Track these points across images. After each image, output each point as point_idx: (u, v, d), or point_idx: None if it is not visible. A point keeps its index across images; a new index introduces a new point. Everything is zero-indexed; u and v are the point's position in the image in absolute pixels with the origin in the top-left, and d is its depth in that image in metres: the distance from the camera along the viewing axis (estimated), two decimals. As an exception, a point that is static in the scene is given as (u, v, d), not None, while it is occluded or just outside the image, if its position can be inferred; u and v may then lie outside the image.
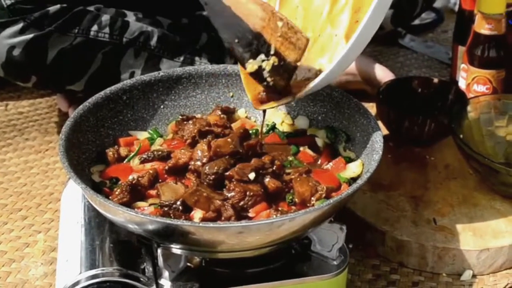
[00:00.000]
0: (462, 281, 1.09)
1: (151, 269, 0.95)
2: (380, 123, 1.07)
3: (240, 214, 0.94)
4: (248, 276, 0.96)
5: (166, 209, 0.94)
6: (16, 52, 1.30)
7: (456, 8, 1.50)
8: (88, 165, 1.04)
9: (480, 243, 1.09)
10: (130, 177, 1.01)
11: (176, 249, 0.93)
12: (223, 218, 0.93)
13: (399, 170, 1.24)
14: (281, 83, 1.01)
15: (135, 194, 0.98)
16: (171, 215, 0.93)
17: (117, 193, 0.97)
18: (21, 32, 1.30)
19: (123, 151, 1.07)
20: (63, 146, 0.98)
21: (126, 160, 1.06)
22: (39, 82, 1.36)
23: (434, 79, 1.37)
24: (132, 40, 1.36)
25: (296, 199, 0.97)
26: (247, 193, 0.95)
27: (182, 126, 1.09)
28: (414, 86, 1.34)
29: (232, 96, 1.17)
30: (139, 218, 0.89)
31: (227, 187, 0.96)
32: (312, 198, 0.97)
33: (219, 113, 1.13)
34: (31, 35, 1.30)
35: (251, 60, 0.98)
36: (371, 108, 1.27)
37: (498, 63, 1.32)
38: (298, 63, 1.00)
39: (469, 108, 1.23)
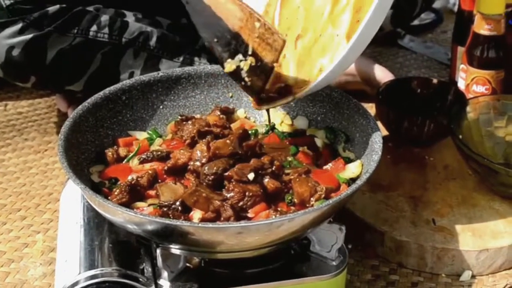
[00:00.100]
0: (461, 281, 1.09)
1: (150, 269, 0.95)
2: (379, 124, 1.07)
3: (239, 214, 0.94)
4: (247, 277, 0.96)
5: (165, 209, 0.94)
6: (15, 52, 1.30)
7: (456, 8, 1.50)
8: (87, 166, 1.04)
9: (479, 244, 1.09)
10: (129, 178, 1.01)
11: (175, 249, 0.93)
12: (222, 219, 0.93)
13: (398, 170, 1.24)
14: (258, 83, 1.02)
15: (134, 195, 0.98)
16: (170, 215, 0.93)
17: (116, 193, 0.97)
18: (21, 32, 1.30)
19: (122, 151, 1.07)
20: (62, 146, 0.98)
21: (125, 160, 1.06)
22: (38, 82, 1.36)
23: (434, 79, 1.37)
24: (132, 41, 1.36)
25: (295, 200, 0.97)
26: (246, 193, 0.95)
27: (181, 126, 1.09)
28: (414, 87, 1.34)
29: (231, 97, 1.17)
30: (138, 219, 0.89)
31: (226, 187, 0.96)
32: (312, 199, 0.97)
33: (218, 113, 1.13)
34: (30, 35, 1.30)
35: (229, 60, 1.00)
36: (371, 108, 1.27)
37: (497, 64, 1.32)
38: (275, 64, 1.01)
39: (468, 108, 1.23)
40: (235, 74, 1.01)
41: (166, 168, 1.01)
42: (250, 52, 0.99)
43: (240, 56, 1.00)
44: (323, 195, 0.97)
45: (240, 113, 1.16)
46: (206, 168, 0.97)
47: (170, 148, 1.06)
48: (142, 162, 1.04)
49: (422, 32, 1.81)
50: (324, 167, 1.05)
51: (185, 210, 0.95)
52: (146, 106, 1.14)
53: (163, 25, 1.41)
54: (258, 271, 0.96)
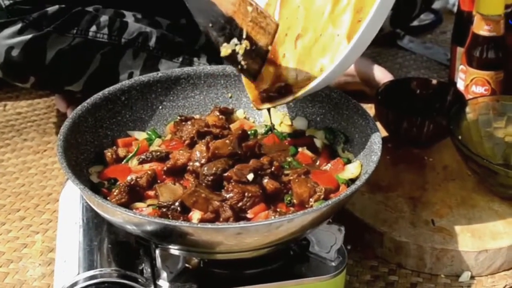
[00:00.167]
0: (460, 282, 1.09)
1: (149, 270, 0.95)
2: (378, 124, 1.07)
3: (239, 215, 0.94)
4: (247, 277, 0.96)
5: (164, 210, 0.94)
6: (14, 53, 1.30)
7: (455, 9, 1.50)
8: (87, 166, 1.04)
9: (479, 245, 1.09)
10: (129, 178, 1.00)
11: (174, 250, 0.93)
12: (221, 219, 0.93)
13: (398, 171, 1.24)
14: (254, 66, 1.03)
15: (134, 195, 0.97)
16: (170, 216, 0.93)
17: (115, 193, 0.97)
18: (20, 32, 1.30)
19: (121, 151, 1.07)
20: (62, 146, 0.98)
21: (124, 160, 1.06)
22: (37, 82, 1.36)
23: (433, 80, 1.37)
24: (131, 41, 1.36)
25: (295, 200, 0.97)
26: (246, 194, 0.95)
27: (180, 126, 1.09)
28: (413, 87, 1.34)
29: (230, 97, 1.17)
30: (137, 219, 0.89)
31: (225, 188, 0.96)
32: (311, 199, 0.97)
33: (218, 114, 1.13)
34: (29, 36, 1.30)
35: (225, 44, 1.01)
36: (370, 109, 1.27)
37: (496, 64, 1.32)
38: (269, 47, 1.03)
39: (467, 109, 1.23)
40: (231, 58, 1.02)
41: (165, 168, 1.01)
42: (244, 36, 1.01)
43: (235, 40, 1.01)
44: (322, 196, 0.97)
45: (239, 113, 1.16)
46: (206, 168, 0.97)
47: (169, 149, 1.06)
48: (141, 162, 1.04)
49: (422, 32, 1.81)
50: (323, 168, 1.05)
51: (184, 211, 0.95)
52: (145, 107, 1.14)
53: (162, 25, 1.41)
54: (257, 272, 0.96)
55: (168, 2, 1.48)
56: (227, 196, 0.95)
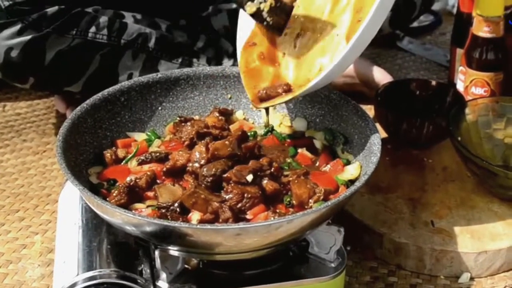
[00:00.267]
0: (460, 283, 1.09)
1: (148, 270, 0.95)
2: (378, 126, 1.07)
3: (238, 216, 0.94)
4: (246, 278, 0.96)
5: (163, 211, 0.94)
6: (14, 54, 1.30)
7: (454, 10, 1.50)
8: (86, 167, 1.04)
9: (478, 246, 1.09)
10: (128, 179, 1.00)
11: (173, 251, 0.93)
12: (220, 220, 0.93)
13: (397, 172, 1.24)
14: (280, 22, 1.08)
15: (133, 196, 0.97)
16: (169, 217, 0.93)
17: (114, 194, 0.96)
18: (19, 33, 1.30)
19: (120, 152, 1.07)
20: (61, 147, 0.97)
21: (123, 161, 1.06)
22: (37, 83, 1.36)
23: (432, 81, 1.37)
24: (130, 42, 1.36)
25: (294, 201, 0.97)
26: (245, 195, 0.94)
27: (180, 127, 1.09)
28: (412, 89, 1.34)
29: (230, 98, 1.17)
30: (137, 220, 0.89)
31: (225, 189, 0.96)
32: (310, 200, 0.97)
33: (217, 114, 1.13)
34: (29, 37, 1.30)
35: (249, 3, 1.04)
36: (369, 110, 1.27)
37: (496, 66, 1.32)
38: (294, 4, 1.08)
39: (467, 110, 1.23)
40: (257, 15, 1.07)
41: (164, 169, 1.01)
42: None
43: None
44: (321, 197, 0.97)
45: (238, 114, 1.16)
46: (205, 169, 0.97)
47: (168, 150, 1.06)
48: (141, 163, 1.04)
49: (421, 34, 1.81)
50: (323, 169, 1.05)
51: (184, 212, 0.95)
52: (144, 108, 1.14)
53: (162, 26, 1.41)
54: (256, 273, 0.96)
55: (167, 3, 1.48)
56: (227, 197, 0.95)
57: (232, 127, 1.12)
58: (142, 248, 0.97)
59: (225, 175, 0.96)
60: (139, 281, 0.93)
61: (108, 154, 1.06)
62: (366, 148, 1.02)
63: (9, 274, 1.12)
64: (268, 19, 1.07)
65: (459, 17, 1.44)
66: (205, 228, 0.87)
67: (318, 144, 1.10)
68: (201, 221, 0.93)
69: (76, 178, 0.92)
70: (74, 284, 0.92)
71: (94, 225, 1.01)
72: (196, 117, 1.14)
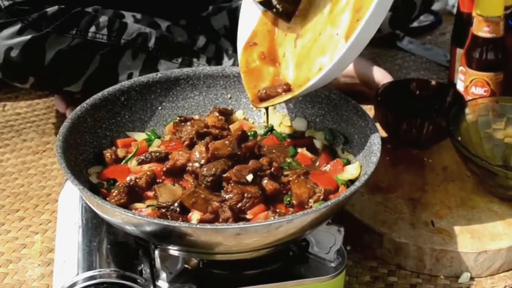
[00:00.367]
0: (460, 283, 1.09)
1: (148, 270, 0.95)
2: (378, 125, 1.06)
3: (238, 215, 0.94)
4: (246, 278, 0.96)
5: (163, 210, 0.94)
6: (14, 53, 1.30)
7: (454, 10, 1.50)
8: (86, 166, 1.04)
9: (478, 246, 1.09)
10: (128, 179, 1.00)
11: (173, 250, 0.93)
12: (220, 220, 0.93)
13: (397, 172, 1.24)
14: (290, 9, 1.10)
15: (133, 196, 0.97)
16: (169, 216, 0.93)
17: (114, 194, 0.96)
18: (19, 33, 1.30)
19: (120, 152, 1.07)
20: (61, 147, 0.97)
21: (123, 161, 1.06)
22: (36, 83, 1.36)
23: (432, 81, 1.37)
24: (130, 42, 1.36)
25: (294, 201, 0.97)
26: (245, 195, 0.94)
27: (180, 127, 1.09)
28: (412, 89, 1.34)
29: (230, 98, 1.17)
30: (137, 220, 0.89)
31: (225, 188, 0.96)
32: (310, 200, 0.97)
33: (217, 114, 1.13)
34: (29, 36, 1.30)
35: None
36: (369, 110, 1.27)
37: (496, 66, 1.32)
38: None
39: (467, 110, 1.23)
40: (267, 3, 1.08)
41: (164, 169, 1.01)
42: None
43: None
44: (321, 197, 0.97)
45: (238, 114, 1.16)
46: (205, 169, 0.97)
47: (168, 149, 1.06)
48: (141, 163, 1.04)
49: (421, 34, 1.81)
50: (323, 169, 1.05)
51: (184, 211, 0.95)
52: (144, 107, 1.14)
53: (162, 26, 1.41)
54: (256, 273, 0.96)
55: (167, 3, 1.48)
56: (227, 196, 0.95)
57: (232, 127, 1.12)
58: (142, 248, 0.97)
59: (225, 175, 0.96)
60: (139, 280, 0.93)
61: (108, 153, 1.06)
62: (366, 148, 1.02)
63: (9, 273, 1.12)
64: (278, 6, 1.08)
65: (459, 17, 1.44)
66: (205, 228, 0.87)
67: (318, 144, 1.10)
68: (201, 221, 0.93)
69: (76, 178, 0.92)
70: (74, 284, 0.92)
71: (94, 224, 1.01)
72: (196, 117, 1.14)
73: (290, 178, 0.99)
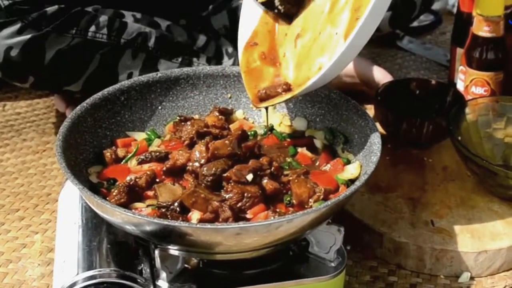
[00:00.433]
0: (460, 283, 1.09)
1: (148, 270, 0.95)
2: (378, 125, 1.06)
3: (238, 215, 0.94)
4: (246, 278, 0.96)
5: (163, 210, 0.94)
6: (13, 53, 1.30)
7: (455, 10, 1.50)
8: (86, 166, 1.04)
9: (478, 245, 1.09)
10: (128, 178, 1.00)
11: (173, 250, 0.93)
12: (220, 220, 0.93)
13: (397, 172, 1.24)
14: (292, 10, 1.09)
15: (133, 195, 0.97)
16: (169, 216, 0.92)
17: (114, 194, 0.96)
18: (19, 32, 1.30)
19: (120, 152, 1.07)
20: (61, 146, 0.97)
21: (123, 161, 1.06)
22: (36, 82, 1.36)
23: (432, 81, 1.37)
24: (130, 41, 1.36)
25: (294, 201, 0.97)
26: (245, 194, 0.94)
27: (180, 127, 1.09)
28: (412, 88, 1.34)
29: (230, 98, 1.17)
30: (137, 219, 0.89)
31: (225, 188, 0.96)
32: (310, 200, 0.97)
33: (217, 114, 1.12)
34: (28, 36, 1.30)
35: None
36: (369, 110, 1.27)
37: (496, 65, 1.32)
38: None
39: (467, 110, 1.23)
40: (269, 4, 1.08)
41: (164, 168, 1.01)
42: None
43: None
44: (321, 196, 0.97)
45: (238, 114, 1.16)
46: (205, 169, 0.96)
47: (168, 149, 1.06)
48: (141, 162, 1.04)
49: (421, 33, 1.81)
50: (323, 168, 1.05)
51: (184, 211, 0.95)
52: (144, 107, 1.14)
53: (161, 25, 1.41)
54: (256, 272, 0.96)
55: (167, 3, 1.48)
56: (227, 196, 0.95)
57: (232, 126, 1.12)
58: (142, 248, 0.97)
59: (225, 175, 0.96)
60: (139, 280, 0.93)
61: (108, 153, 1.06)
62: (366, 148, 1.02)
63: (9, 273, 1.12)
64: (280, 7, 1.08)
65: (459, 16, 1.44)
66: (205, 228, 0.87)
67: (318, 143, 1.10)
68: (201, 221, 0.93)
69: (76, 178, 0.92)
70: (74, 284, 0.92)
71: (94, 224, 1.01)
72: (196, 117, 1.14)
73: (290, 178, 0.99)
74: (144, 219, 0.88)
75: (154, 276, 0.94)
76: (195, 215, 0.94)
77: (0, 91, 1.59)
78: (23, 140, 1.44)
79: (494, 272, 1.11)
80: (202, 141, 1.02)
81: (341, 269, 0.97)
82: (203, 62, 1.40)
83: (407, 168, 1.25)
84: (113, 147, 1.07)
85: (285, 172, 1.01)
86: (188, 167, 0.99)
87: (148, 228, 0.89)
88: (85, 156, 1.04)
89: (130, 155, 1.06)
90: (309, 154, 1.07)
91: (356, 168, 1.03)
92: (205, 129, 1.06)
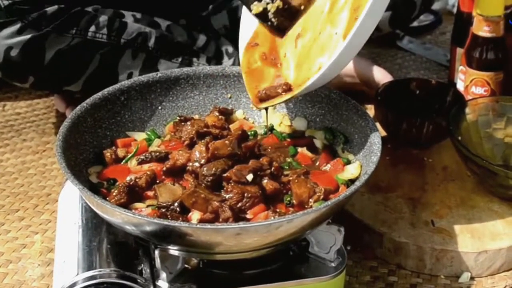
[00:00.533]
0: (460, 283, 1.09)
1: (148, 270, 0.95)
2: (378, 125, 1.06)
3: (238, 215, 0.94)
4: (246, 278, 0.96)
5: (163, 210, 0.94)
6: (13, 53, 1.30)
7: (455, 10, 1.50)
8: (86, 166, 1.03)
9: (478, 245, 1.09)
10: (128, 178, 1.00)
11: (173, 250, 0.92)
12: (220, 220, 0.93)
13: (397, 172, 1.24)
14: (285, 24, 1.08)
15: (133, 195, 0.97)
16: (169, 216, 0.92)
17: (114, 194, 0.96)
18: (19, 32, 1.30)
19: (120, 152, 1.07)
20: (61, 147, 0.97)
21: (123, 161, 1.06)
22: (36, 82, 1.36)
23: (432, 81, 1.37)
24: (130, 41, 1.36)
25: (294, 201, 0.97)
26: (245, 194, 0.94)
27: (180, 127, 1.09)
28: (412, 88, 1.34)
29: (230, 98, 1.17)
30: (137, 220, 0.88)
31: (225, 188, 0.96)
32: (310, 200, 0.97)
33: (217, 114, 1.12)
34: (28, 36, 1.30)
35: (256, 3, 1.05)
36: (369, 110, 1.27)
37: (496, 65, 1.32)
38: (302, 7, 1.07)
39: (467, 110, 1.23)
40: (262, 16, 1.07)
41: (164, 169, 1.01)
42: None
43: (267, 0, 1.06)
44: (321, 196, 0.97)
45: (238, 114, 1.16)
46: (205, 169, 0.96)
47: (168, 149, 1.06)
48: (141, 163, 1.04)
49: (421, 33, 1.81)
50: (323, 168, 1.05)
51: (184, 211, 0.94)
52: (144, 107, 1.14)
53: (161, 25, 1.41)
54: (256, 272, 0.96)
55: (167, 3, 1.48)
56: (227, 196, 0.95)
57: (232, 126, 1.12)
58: (142, 248, 0.97)
59: (225, 175, 0.96)
60: (139, 280, 0.93)
61: (108, 153, 1.06)
62: (366, 148, 1.02)
63: (9, 273, 1.12)
64: (273, 19, 1.07)
65: (459, 16, 1.44)
66: (205, 228, 0.87)
67: (318, 143, 1.10)
68: (201, 221, 0.93)
69: (76, 178, 0.92)
70: (74, 284, 0.92)
71: (94, 224, 1.01)
72: (196, 117, 1.14)
73: (290, 178, 0.99)
74: (144, 219, 0.88)
75: (154, 276, 0.94)
76: (195, 215, 0.94)
77: (0, 91, 1.59)
78: (23, 140, 1.44)
79: (494, 272, 1.11)
80: (202, 141, 1.02)
81: (341, 269, 0.97)
82: (203, 62, 1.39)
83: (407, 168, 1.25)
84: (113, 147, 1.07)
85: (285, 172, 1.01)
86: (188, 167, 0.99)
87: (148, 228, 0.89)
88: (85, 156, 1.04)
89: (130, 155, 1.06)
90: (309, 154, 1.07)
91: (356, 168, 1.03)
92: (205, 129, 1.06)
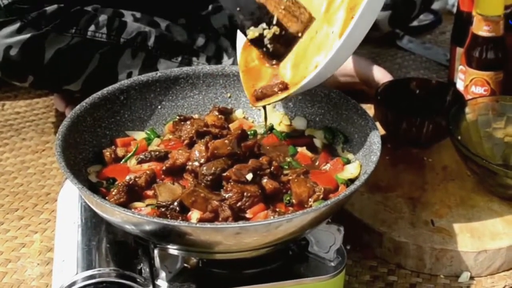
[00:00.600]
0: (460, 283, 1.09)
1: (148, 269, 0.95)
2: (378, 125, 1.06)
3: (238, 215, 0.94)
4: (245, 277, 0.96)
5: (163, 209, 0.94)
6: (13, 52, 1.30)
7: (454, 9, 1.50)
8: (85, 165, 1.03)
9: (478, 245, 1.09)
10: (127, 178, 1.00)
11: (173, 249, 0.92)
12: (220, 219, 0.93)
13: (397, 171, 1.24)
14: (281, 50, 1.05)
15: (132, 195, 0.97)
16: (168, 215, 0.92)
17: (114, 193, 0.96)
18: (18, 31, 1.30)
19: (120, 151, 1.07)
20: (60, 146, 0.97)
21: (123, 160, 1.06)
22: (36, 82, 1.36)
23: (432, 80, 1.37)
24: (130, 41, 1.36)
25: (294, 200, 0.97)
26: (245, 194, 0.94)
27: (179, 126, 1.09)
28: (412, 88, 1.34)
29: (229, 97, 1.17)
30: (136, 219, 0.88)
31: (224, 188, 0.96)
32: (310, 199, 0.97)
33: (217, 113, 1.12)
34: (28, 35, 1.30)
35: (252, 28, 1.03)
36: (369, 109, 1.26)
37: (496, 65, 1.32)
38: (299, 34, 1.05)
39: (467, 109, 1.23)
40: (257, 41, 1.04)
41: (164, 168, 1.01)
42: (274, 22, 1.03)
43: (263, 25, 1.03)
44: (321, 196, 0.97)
45: (238, 113, 1.16)
46: (205, 168, 0.96)
47: (168, 148, 1.06)
48: (140, 162, 1.04)
49: (421, 33, 1.81)
50: (323, 168, 1.05)
51: (183, 211, 0.94)
52: (144, 106, 1.14)
53: (161, 25, 1.41)
54: (256, 272, 0.96)
55: (167, 2, 1.48)
56: (226, 196, 0.95)
57: (232, 126, 1.12)
58: (141, 247, 0.97)
59: (224, 174, 0.96)
60: (138, 280, 0.93)
61: (107, 153, 1.06)
62: (366, 147, 1.02)
63: (8, 273, 1.12)
64: (269, 45, 1.04)
65: (459, 16, 1.44)
66: (205, 227, 0.87)
67: (318, 143, 1.10)
68: (201, 220, 0.92)
69: (75, 177, 0.92)
70: (73, 283, 0.92)
71: (93, 224, 1.01)
72: (196, 116, 1.14)
73: (290, 177, 0.99)
74: (144, 218, 0.88)
75: (154, 275, 0.94)
76: (194, 215, 0.94)
77: (-1, 90, 1.60)
78: (23, 140, 1.44)
79: (494, 271, 1.11)
80: (202, 140, 1.02)
81: (341, 268, 0.97)
82: (202, 62, 1.39)
83: (406, 167, 1.25)
84: (113, 147, 1.07)
85: (285, 172, 1.01)
86: (187, 167, 0.99)
87: (147, 227, 0.89)
88: (85, 155, 1.04)
89: (129, 154, 1.06)
90: (309, 153, 1.07)
91: (356, 167, 1.03)
92: (204, 128, 1.06)
